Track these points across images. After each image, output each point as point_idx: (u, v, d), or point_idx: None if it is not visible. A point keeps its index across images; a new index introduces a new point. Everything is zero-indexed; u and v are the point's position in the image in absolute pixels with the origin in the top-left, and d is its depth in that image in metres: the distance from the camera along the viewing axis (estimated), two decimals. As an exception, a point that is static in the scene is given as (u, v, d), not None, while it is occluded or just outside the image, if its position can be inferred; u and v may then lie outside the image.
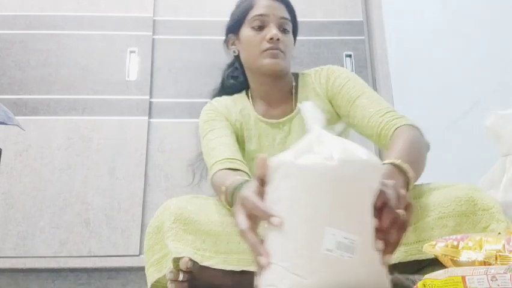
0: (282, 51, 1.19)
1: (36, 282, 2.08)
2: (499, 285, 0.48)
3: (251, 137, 1.24)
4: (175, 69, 2.46)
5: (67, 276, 2.09)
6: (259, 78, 1.25)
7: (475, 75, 1.86)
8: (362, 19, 2.58)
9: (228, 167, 1.09)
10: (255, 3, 1.23)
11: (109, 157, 2.27)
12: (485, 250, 0.54)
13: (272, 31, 1.18)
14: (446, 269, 0.57)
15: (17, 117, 1.67)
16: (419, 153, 0.94)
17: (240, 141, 1.26)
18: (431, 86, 2.17)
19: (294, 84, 1.27)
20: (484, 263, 0.53)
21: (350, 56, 2.49)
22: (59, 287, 2.08)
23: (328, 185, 0.56)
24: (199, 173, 1.32)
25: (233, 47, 1.30)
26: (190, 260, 0.92)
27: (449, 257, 0.56)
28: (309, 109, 0.65)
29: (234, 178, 1.00)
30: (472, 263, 0.54)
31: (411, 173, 0.83)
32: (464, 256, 0.55)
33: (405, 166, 0.83)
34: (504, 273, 0.48)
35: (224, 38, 1.35)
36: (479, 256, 0.54)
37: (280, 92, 1.26)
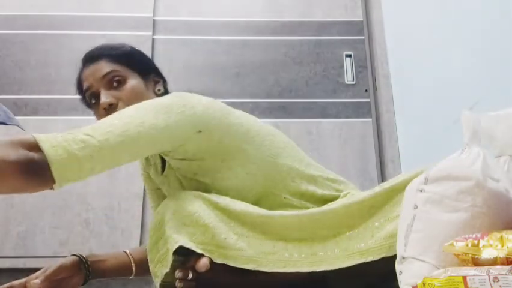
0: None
1: (36, 282, 2.08)
2: (500, 286, 0.48)
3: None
4: (175, 69, 2.46)
5: (67, 276, 2.09)
6: None
7: (475, 75, 1.86)
8: (362, 19, 2.58)
9: None
10: (82, 78, 1.14)
11: (109, 157, 2.26)
12: (507, 247, 0.53)
13: (101, 101, 1.08)
14: (446, 269, 0.57)
15: (17, 117, 1.67)
16: None
17: None
18: (431, 86, 2.17)
19: None
20: (507, 259, 0.53)
21: (350, 56, 2.49)
22: (59, 287, 2.08)
23: None
24: None
25: None
26: (209, 258, 0.90)
27: (470, 255, 0.56)
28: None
29: None
30: (494, 261, 0.54)
31: None
32: (485, 254, 0.55)
33: None
34: (506, 274, 0.48)
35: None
36: (501, 253, 0.53)
37: None
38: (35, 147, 0.82)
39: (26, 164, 0.78)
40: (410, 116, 2.27)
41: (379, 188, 0.91)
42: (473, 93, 1.80)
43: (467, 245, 0.57)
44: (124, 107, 0.99)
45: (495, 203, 0.64)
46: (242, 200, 1.00)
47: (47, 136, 0.82)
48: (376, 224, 0.84)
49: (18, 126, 1.60)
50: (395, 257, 0.71)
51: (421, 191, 0.69)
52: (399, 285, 0.68)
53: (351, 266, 0.84)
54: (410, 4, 2.38)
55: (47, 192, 2.35)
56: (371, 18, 2.57)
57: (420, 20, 2.28)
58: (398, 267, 0.69)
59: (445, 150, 0.74)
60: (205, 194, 0.99)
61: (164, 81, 1.21)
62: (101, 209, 2.17)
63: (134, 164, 2.27)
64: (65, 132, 0.85)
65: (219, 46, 2.45)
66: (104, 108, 1.06)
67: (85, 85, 1.12)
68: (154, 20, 2.51)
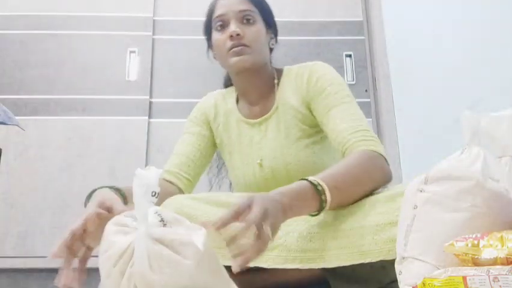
0: (247, 46, 1.15)
1: (36, 282, 2.08)
2: (500, 286, 0.48)
3: (231, 139, 1.24)
4: (175, 69, 2.46)
5: (67, 276, 2.09)
6: (235, 78, 1.24)
7: (475, 75, 1.86)
8: (362, 19, 2.58)
9: (162, 177, 1.14)
10: (215, 5, 1.22)
11: (109, 157, 2.26)
12: (507, 247, 0.53)
13: (231, 28, 1.15)
14: (446, 269, 0.57)
15: (17, 117, 1.67)
16: (355, 181, 0.90)
17: (220, 144, 1.26)
18: (431, 86, 2.17)
19: (276, 81, 1.23)
20: (507, 259, 0.52)
21: (350, 56, 2.49)
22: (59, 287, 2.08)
23: None
24: (216, 182, 1.35)
25: (212, 51, 1.28)
26: None
27: (470, 255, 0.56)
28: None
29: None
30: (494, 261, 0.54)
31: (327, 196, 0.83)
32: (485, 254, 0.55)
33: (323, 187, 0.83)
34: (506, 274, 0.48)
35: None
36: (501, 253, 0.53)
37: (259, 89, 1.22)
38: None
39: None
40: (410, 116, 2.26)
41: (382, 190, 0.91)
42: (473, 93, 1.80)
43: (467, 245, 0.57)
44: (246, 43, 1.14)
45: (495, 203, 0.64)
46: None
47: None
48: (377, 226, 0.83)
49: (18, 126, 1.60)
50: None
51: (421, 191, 0.69)
52: (399, 285, 0.68)
53: (353, 271, 0.83)
54: (410, 4, 2.38)
55: (47, 192, 2.36)
56: (371, 18, 2.56)
57: (420, 20, 2.28)
58: (397, 267, 0.69)
59: (445, 150, 0.74)
60: (203, 195, 1.00)
61: (276, 40, 1.29)
62: (101, 209, 2.16)
63: (134, 164, 2.27)
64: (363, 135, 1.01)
65: (219, 46, 2.45)
66: (231, 36, 1.14)
67: (219, 11, 1.18)
68: (154, 20, 2.51)
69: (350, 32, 2.54)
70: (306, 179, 0.84)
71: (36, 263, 2.07)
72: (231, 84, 1.30)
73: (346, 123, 1.04)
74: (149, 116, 2.36)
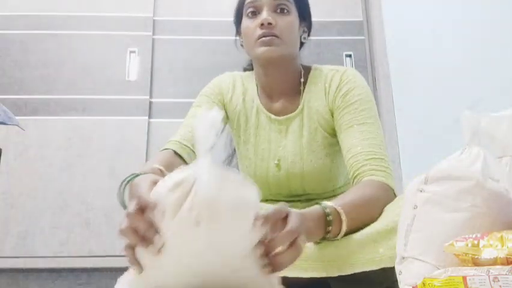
0: (277, 36, 1.08)
1: (36, 282, 2.08)
2: (500, 286, 0.48)
3: (248, 127, 1.19)
4: (175, 69, 2.46)
5: (67, 276, 2.09)
6: (260, 69, 1.17)
7: (475, 75, 1.86)
8: (362, 19, 2.58)
9: (173, 149, 1.07)
10: None
11: (109, 157, 2.26)
12: (507, 247, 0.53)
13: (263, 16, 1.09)
14: (446, 269, 0.57)
15: (17, 117, 1.67)
16: (368, 215, 0.88)
17: (235, 129, 1.21)
18: (431, 86, 2.17)
19: (302, 80, 1.17)
20: (507, 259, 0.52)
21: (350, 56, 2.49)
22: (59, 287, 2.08)
23: None
24: None
25: (240, 38, 1.21)
26: None
27: (470, 255, 0.56)
28: None
29: (146, 168, 0.95)
30: (494, 261, 0.54)
31: (343, 226, 0.82)
32: (485, 254, 0.55)
33: (340, 213, 0.82)
34: (506, 274, 0.48)
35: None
36: (501, 253, 0.53)
37: (284, 85, 1.16)
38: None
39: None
40: (410, 116, 2.26)
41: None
42: (473, 93, 1.80)
43: (467, 245, 0.57)
44: (277, 33, 1.08)
45: (495, 203, 0.64)
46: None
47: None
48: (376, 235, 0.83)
49: (18, 126, 1.60)
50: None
51: (421, 191, 0.68)
52: (399, 285, 0.68)
53: (353, 273, 0.83)
54: (410, 4, 2.38)
55: (47, 192, 2.36)
56: (371, 18, 2.57)
57: (420, 20, 2.28)
58: (397, 267, 0.69)
59: (445, 150, 0.73)
60: None
61: (309, 34, 1.23)
62: (101, 209, 2.17)
63: (134, 164, 2.28)
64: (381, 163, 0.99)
65: (219, 46, 2.45)
66: (262, 24, 1.08)
67: None
68: (154, 20, 2.51)
69: (350, 32, 2.54)
70: (325, 209, 0.82)
71: (36, 263, 2.07)
72: (251, 69, 1.25)
73: (363, 147, 1.00)
74: (149, 116, 2.36)
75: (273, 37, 1.08)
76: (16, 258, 2.08)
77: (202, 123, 0.60)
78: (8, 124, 1.57)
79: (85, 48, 2.45)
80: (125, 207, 0.86)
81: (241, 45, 1.19)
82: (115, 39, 2.46)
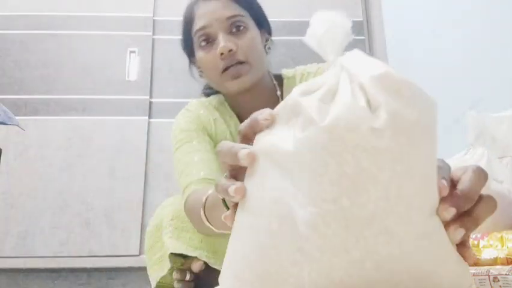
0: (242, 62, 0.95)
1: (36, 282, 2.08)
2: (500, 286, 0.48)
3: None
4: (175, 69, 2.45)
5: (67, 276, 2.09)
6: (231, 99, 1.07)
7: (475, 75, 1.86)
8: (361, 19, 2.58)
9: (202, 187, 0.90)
10: (195, 13, 1.00)
11: (109, 157, 2.26)
12: (507, 247, 0.53)
13: (219, 43, 0.94)
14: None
15: (17, 117, 1.67)
16: None
17: None
18: (431, 86, 2.17)
19: (279, 92, 1.05)
20: (507, 259, 0.53)
21: (350, 56, 2.49)
22: (59, 287, 2.08)
23: None
24: None
25: (196, 68, 1.09)
26: (204, 263, 0.91)
27: None
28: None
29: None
30: (494, 261, 0.54)
31: None
32: (485, 254, 0.55)
33: None
34: (506, 274, 0.48)
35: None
36: (501, 253, 0.53)
37: (262, 105, 1.07)
38: None
39: None
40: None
41: None
42: (473, 93, 1.80)
43: (467, 245, 0.57)
44: (241, 58, 0.94)
45: (498, 204, 0.63)
46: None
47: None
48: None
49: (18, 126, 1.60)
50: None
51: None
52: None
53: None
54: (410, 4, 2.38)
55: (47, 192, 2.36)
56: (371, 18, 2.57)
57: (420, 20, 2.28)
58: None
59: (445, 150, 0.74)
60: None
61: (271, 41, 1.10)
62: (101, 209, 2.17)
63: (134, 164, 2.27)
64: None
65: (219, 46, 2.45)
66: (222, 53, 0.93)
67: (201, 23, 0.97)
68: (154, 20, 2.51)
69: (350, 32, 2.54)
70: None
71: (36, 263, 2.07)
72: (213, 93, 1.14)
73: None
74: (149, 116, 2.36)
75: (238, 65, 0.95)
76: (16, 258, 2.08)
77: (324, 22, 0.43)
78: (8, 124, 1.57)
79: (85, 48, 2.45)
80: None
81: (201, 77, 1.08)
82: (115, 39, 2.46)
